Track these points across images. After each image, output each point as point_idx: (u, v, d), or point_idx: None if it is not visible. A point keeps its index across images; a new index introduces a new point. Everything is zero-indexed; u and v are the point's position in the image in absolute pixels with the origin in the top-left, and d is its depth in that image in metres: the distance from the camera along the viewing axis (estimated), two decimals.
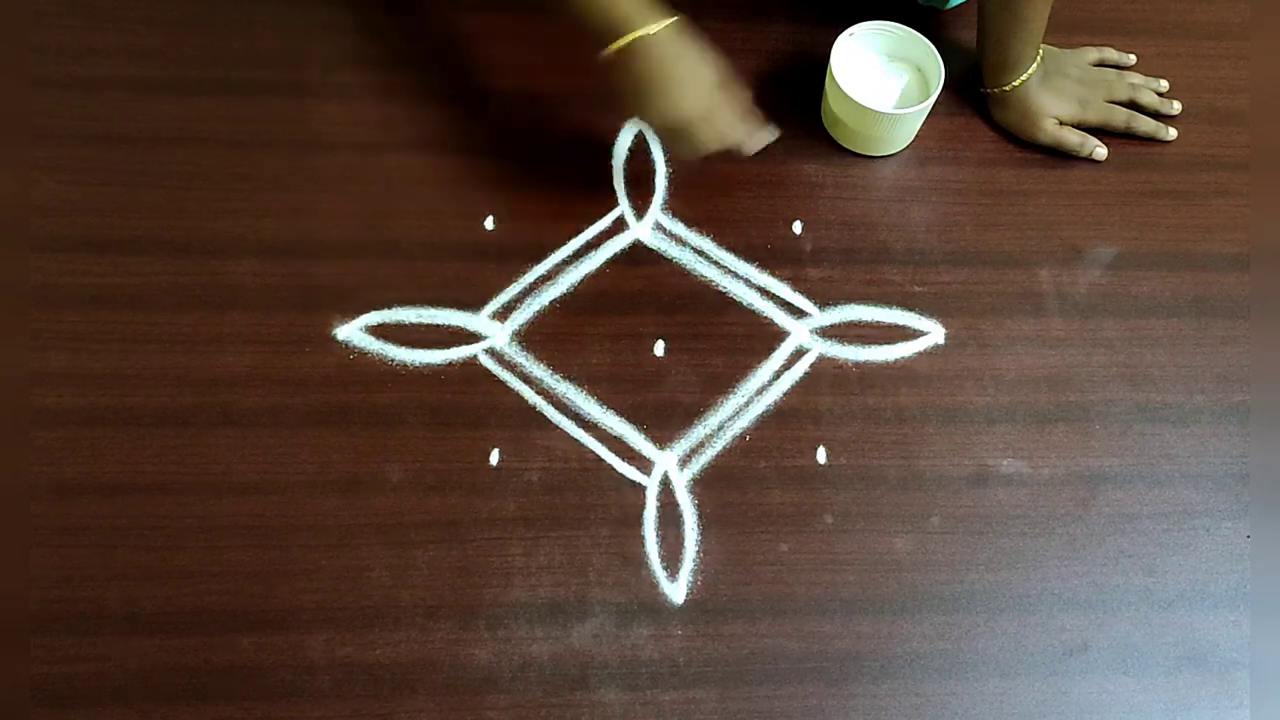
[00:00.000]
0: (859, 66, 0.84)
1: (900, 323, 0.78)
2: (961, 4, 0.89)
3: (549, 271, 0.78)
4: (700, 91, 0.71)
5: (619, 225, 0.80)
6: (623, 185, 0.82)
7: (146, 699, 0.63)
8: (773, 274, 0.79)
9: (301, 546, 0.68)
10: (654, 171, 0.82)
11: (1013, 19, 0.79)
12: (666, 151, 0.82)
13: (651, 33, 0.69)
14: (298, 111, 0.83)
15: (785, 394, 0.75)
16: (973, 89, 0.87)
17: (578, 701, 0.65)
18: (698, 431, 0.73)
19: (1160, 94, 0.87)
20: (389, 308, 0.76)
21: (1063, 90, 0.84)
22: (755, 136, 0.75)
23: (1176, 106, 0.87)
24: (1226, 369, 0.78)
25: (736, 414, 0.74)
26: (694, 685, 0.65)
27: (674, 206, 0.81)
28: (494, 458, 0.71)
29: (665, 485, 0.71)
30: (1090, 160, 0.85)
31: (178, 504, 0.68)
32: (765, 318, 0.78)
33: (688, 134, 0.72)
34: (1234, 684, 0.68)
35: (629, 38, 0.68)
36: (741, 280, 0.79)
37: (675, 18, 0.70)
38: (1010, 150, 0.85)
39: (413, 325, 0.75)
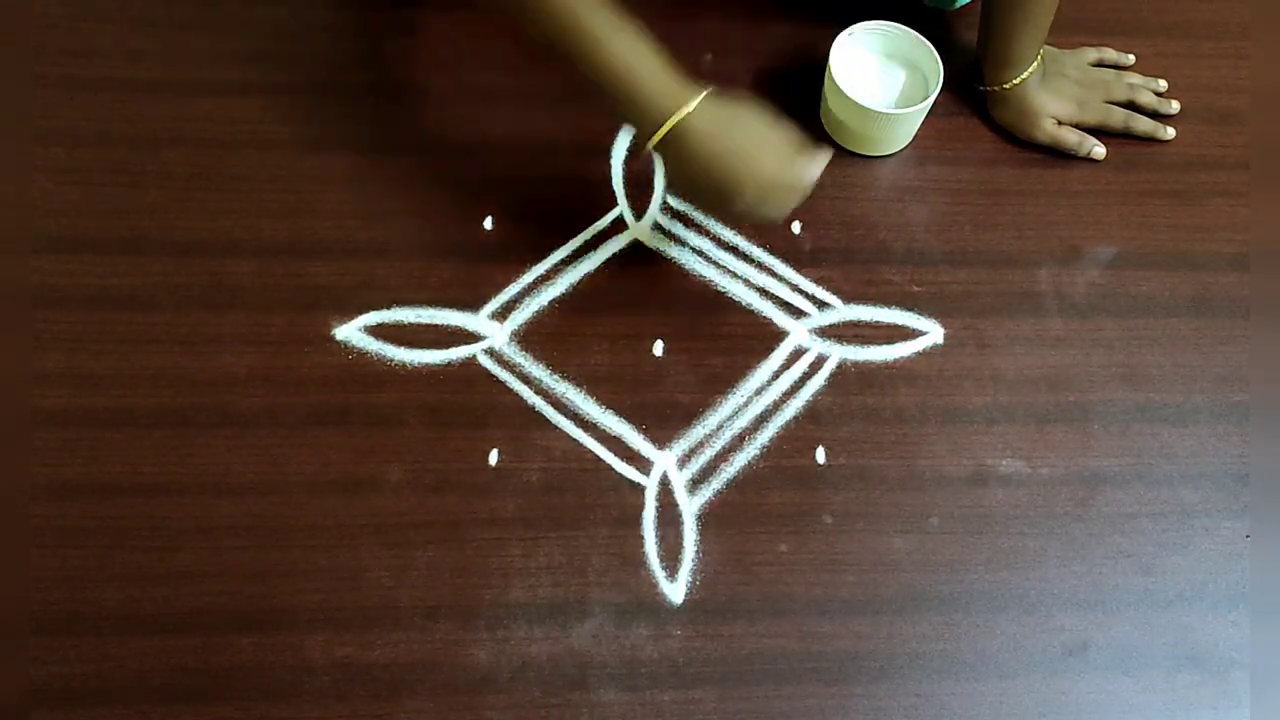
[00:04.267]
0: (858, 66, 0.84)
1: (899, 322, 0.78)
2: (963, 5, 0.89)
3: (548, 271, 0.78)
4: (763, 156, 0.66)
5: (618, 225, 0.80)
6: (621, 185, 0.82)
7: (146, 699, 0.63)
8: (772, 274, 0.79)
9: (301, 547, 0.68)
10: (653, 171, 0.82)
11: (1021, 16, 0.78)
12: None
13: (690, 111, 0.64)
14: (298, 111, 0.83)
15: (784, 394, 0.75)
16: (972, 88, 0.87)
17: (577, 702, 0.65)
18: (697, 431, 0.73)
19: (1158, 94, 0.87)
20: (388, 308, 0.76)
21: (1061, 90, 0.84)
22: (817, 166, 0.69)
23: (1175, 106, 0.87)
24: (1226, 369, 0.78)
25: (735, 414, 0.74)
26: (693, 685, 0.65)
27: (672, 206, 0.81)
28: (493, 458, 0.71)
29: (664, 485, 0.71)
30: (1089, 160, 0.85)
31: (177, 504, 0.68)
32: (764, 318, 0.78)
33: (770, 204, 0.67)
34: (1233, 684, 0.67)
35: (669, 125, 0.64)
36: (740, 280, 0.79)
37: (708, 89, 0.65)
38: (1009, 150, 0.85)
39: (412, 325, 0.75)
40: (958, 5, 0.88)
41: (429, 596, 0.67)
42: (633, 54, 0.64)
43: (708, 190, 0.67)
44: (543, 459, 0.72)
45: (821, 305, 0.78)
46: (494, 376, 0.74)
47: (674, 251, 0.80)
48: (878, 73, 0.84)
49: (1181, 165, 0.86)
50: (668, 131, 0.64)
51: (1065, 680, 0.67)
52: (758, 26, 0.90)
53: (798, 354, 0.76)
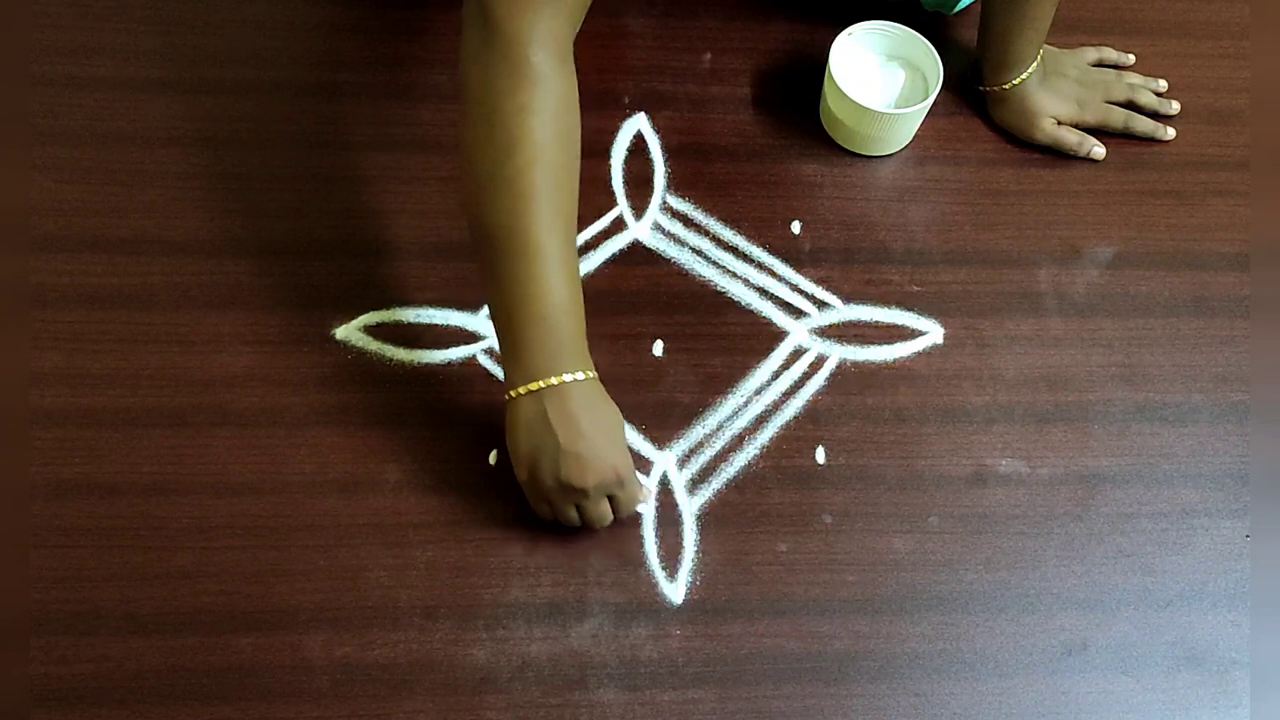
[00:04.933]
0: (858, 66, 0.84)
1: (899, 322, 0.78)
2: (965, 7, 0.89)
3: None
4: (587, 470, 0.62)
5: (617, 225, 0.80)
6: (621, 185, 0.82)
7: (145, 699, 0.63)
8: (771, 274, 0.79)
9: (300, 547, 0.68)
10: (653, 171, 0.83)
11: (1020, 16, 0.79)
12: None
13: (579, 379, 0.62)
14: (297, 111, 0.83)
15: (784, 394, 0.75)
16: (971, 88, 0.87)
17: (576, 702, 0.65)
18: (696, 431, 0.73)
19: (1158, 94, 0.87)
20: (387, 308, 0.76)
21: (1061, 90, 0.84)
22: (624, 507, 0.67)
23: (1175, 106, 0.87)
24: (1225, 369, 0.78)
25: (735, 414, 0.74)
26: (693, 685, 0.65)
27: (672, 207, 0.81)
28: (492, 458, 0.71)
29: (664, 485, 0.71)
30: (1089, 160, 0.85)
31: (176, 504, 0.68)
32: (764, 318, 0.78)
33: (610, 496, 0.65)
34: (1233, 683, 0.67)
35: (550, 381, 0.61)
36: (740, 280, 0.79)
37: (589, 375, 0.63)
38: (1009, 150, 0.85)
39: (411, 325, 0.75)
40: (956, 10, 0.88)
41: (428, 596, 0.67)
42: (563, 306, 0.62)
43: (521, 463, 0.64)
44: None
45: (821, 305, 0.78)
46: (494, 376, 0.74)
47: (673, 251, 0.80)
48: (878, 73, 0.84)
49: (1181, 165, 0.86)
50: (529, 393, 0.62)
51: (1065, 680, 0.67)
52: (758, 26, 0.90)
53: (797, 354, 0.76)
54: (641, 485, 0.68)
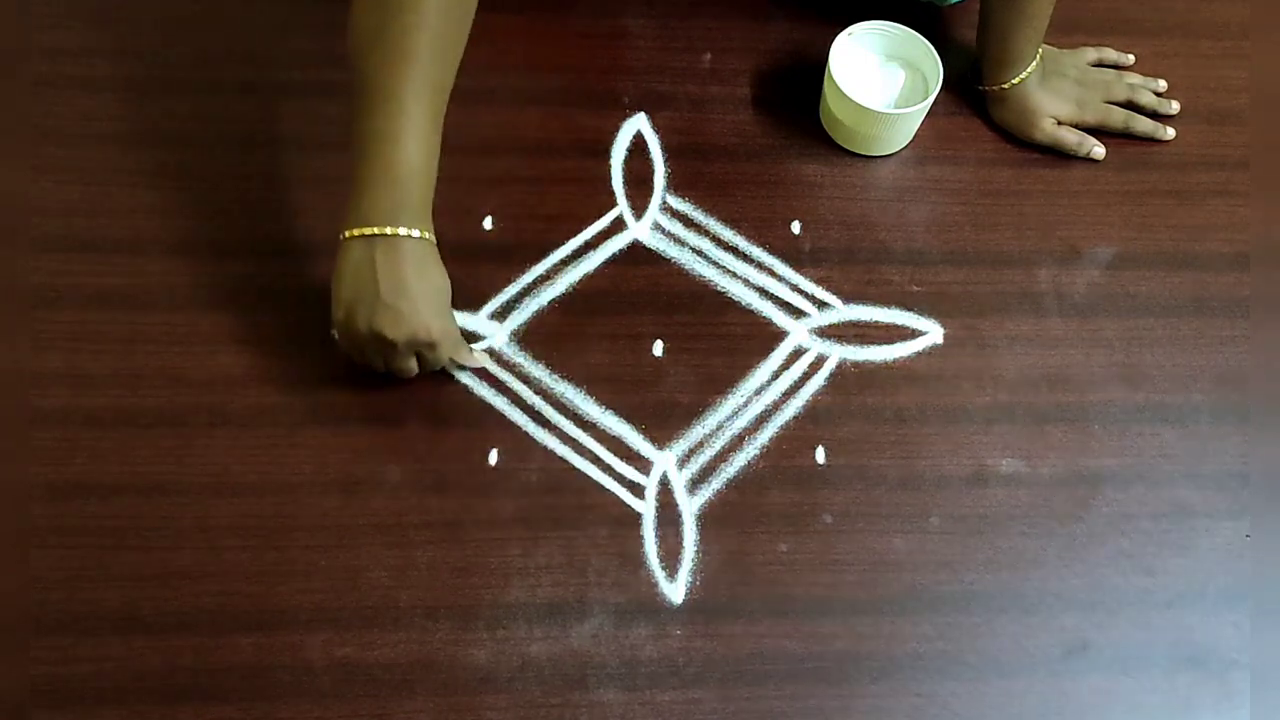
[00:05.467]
0: (858, 66, 0.84)
1: (899, 322, 0.78)
2: (960, 2, 0.89)
3: (547, 271, 0.78)
4: (440, 314, 0.66)
5: (617, 225, 0.80)
6: (621, 185, 0.82)
7: (145, 699, 0.63)
8: (771, 274, 0.79)
9: (300, 547, 0.68)
10: (653, 171, 0.83)
11: (1018, 14, 0.79)
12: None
13: (412, 236, 0.64)
14: (297, 111, 0.83)
15: (784, 394, 0.75)
16: (971, 88, 0.87)
17: (576, 702, 0.65)
18: (696, 431, 0.73)
19: (1158, 94, 0.87)
20: None
21: (1060, 90, 0.84)
22: (472, 356, 0.71)
23: (1175, 106, 0.87)
24: (1226, 369, 0.78)
25: (735, 414, 0.74)
26: (693, 685, 0.65)
27: (672, 207, 0.81)
28: (493, 458, 0.71)
29: (664, 485, 0.71)
30: (1088, 160, 0.85)
31: (176, 504, 0.68)
32: (764, 318, 0.78)
33: (416, 352, 0.68)
34: (1233, 684, 0.67)
35: (385, 230, 0.64)
36: (740, 280, 0.79)
37: (424, 234, 0.65)
38: (1009, 150, 0.86)
39: None
40: (949, 2, 0.88)
41: (429, 596, 0.67)
42: (415, 167, 0.64)
43: (340, 304, 0.66)
44: (542, 459, 0.71)
45: (821, 305, 0.78)
46: (494, 376, 0.74)
47: (673, 251, 0.80)
48: (878, 73, 0.84)
49: (1181, 165, 0.86)
50: (362, 237, 0.64)
51: (1065, 680, 0.67)
52: (758, 26, 0.90)
53: (797, 354, 0.76)
54: (471, 350, 0.71)
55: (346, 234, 0.65)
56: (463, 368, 0.73)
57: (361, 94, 0.65)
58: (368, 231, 0.64)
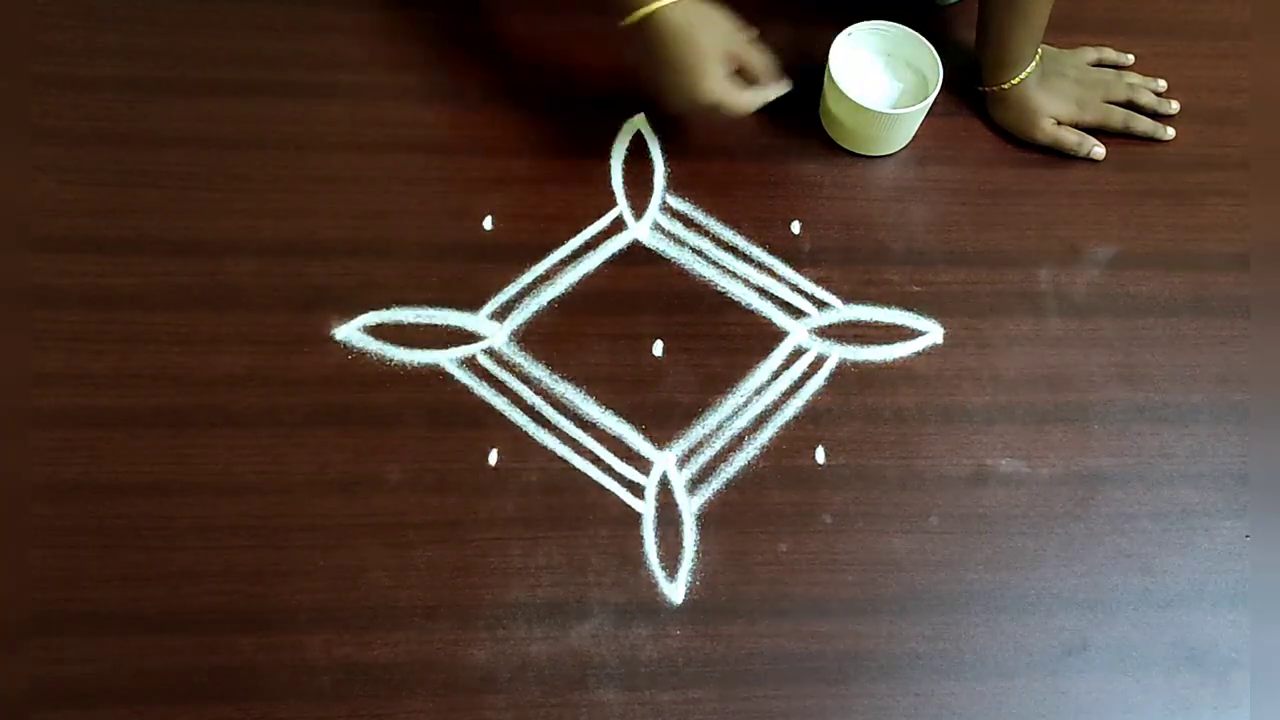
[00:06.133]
0: (857, 66, 0.84)
1: (899, 322, 0.78)
2: (959, 1, 0.89)
3: (547, 271, 0.78)
4: (709, 72, 0.72)
5: (617, 225, 0.80)
6: (621, 185, 0.82)
7: (145, 699, 0.63)
8: (771, 274, 0.79)
9: (300, 547, 0.68)
10: (652, 171, 0.83)
11: (1015, 14, 0.79)
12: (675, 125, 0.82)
13: (666, 3, 0.70)
14: (297, 111, 0.83)
15: (784, 394, 0.75)
16: (971, 89, 0.87)
17: (576, 702, 0.65)
18: (696, 431, 0.73)
19: (1158, 93, 0.87)
20: (387, 308, 0.76)
21: (1060, 90, 0.84)
22: (759, 98, 0.76)
23: (1174, 106, 0.87)
24: (1225, 369, 0.78)
25: (735, 414, 0.74)
26: (693, 685, 0.65)
27: (672, 207, 0.81)
28: (492, 458, 0.71)
29: (664, 485, 0.71)
30: (1088, 160, 0.85)
31: (176, 504, 0.68)
32: (764, 318, 0.78)
33: (711, 111, 0.74)
34: (1233, 684, 0.67)
35: (647, 9, 0.70)
36: (740, 280, 0.79)
37: None
38: (1008, 150, 0.86)
39: (411, 325, 0.75)
40: (949, 1, 0.88)
41: (428, 596, 0.67)
42: None
43: (655, 79, 0.73)
44: (542, 459, 0.72)
45: (821, 305, 0.78)
46: (494, 376, 0.74)
47: (673, 251, 0.80)
48: (877, 73, 0.84)
49: (1181, 165, 0.86)
50: (641, 18, 0.71)
51: (1065, 680, 0.67)
52: (758, 26, 0.89)
53: (797, 354, 0.76)
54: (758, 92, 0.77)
55: (630, 19, 0.72)
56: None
57: None
58: (635, 19, 0.71)
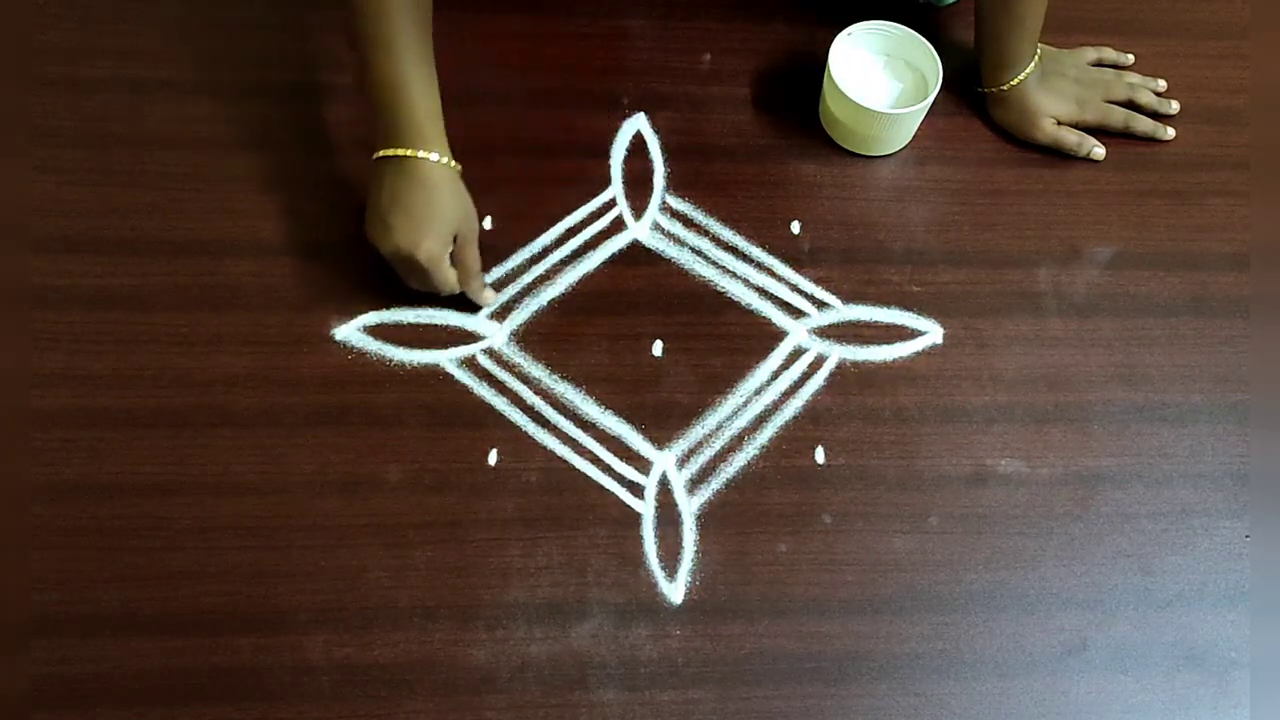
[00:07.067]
0: (857, 66, 0.84)
1: (898, 322, 0.78)
2: (957, 2, 0.89)
3: (547, 271, 0.78)
4: (446, 237, 0.71)
5: (617, 225, 0.80)
6: (621, 185, 0.82)
7: (145, 700, 0.63)
8: (771, 274, 0.79)
9: (300, 547, 0.68)
10: (652, 172, 0.83)
11: (1009, 17, 0.79)
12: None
13: (430, 159, 0.70)
14: (297, 112, 0.83)
15: (783, 394, 0.75)
16: (971, 89, 0.87)
17: (576, 702, 0.65)
18: (696, 431, 0.73)
19: (1158, 93, 0.87)
20: (387, 308, 0.76)
21: (1060, 90, 0.84)
22: (473, 289, 0.75)
23: (1174, 106, 0.87)
24: (1225, 369, 0.78)
25: (735, 414, 0.74)
26: (692, 685, 0.65)
27: (672, 207, 0.81)
28: (492, 458, 0.71)
29: (664, 485, 0.71)
30: (1088, 160, 0.85)
31: (176, 505, 0.68)
32: (763, 318, 0.78)
33: (416, 270, 0.72)
34: (1233, 684, 0.67)
35: (410, 152, 0.70)
36: (740, 280, 0.79)
37: (440, 157, 0.71)
38: (1008, 150, 0.86)
39: (411, 325, 0.75)
40: (946, 2, 0.88)
41: (428, 597, 0.67)
42: (420, 80, 0.70)
43: (380, 213, 0.71)
44: (542, 459, 0.72)
45: (821, 305, 0.78)
46: (493, 376, 0.74)
47: (673, 251, 0.80)
48: (877, 73, 0.84)
49: (1181, 165, 0.86)
50: (380, 159, 0.71)
51: (1065, 680, 0.67)
52: (758, 26, 0.90)
53: (797, 354, 0.76)
54: (477, 286, 0.75)
55: (372, 158, 0.71)
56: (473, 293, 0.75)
57: (365, 46, 0.70)
58: (385, 154, 0.71)
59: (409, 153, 0.70)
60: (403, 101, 0.70)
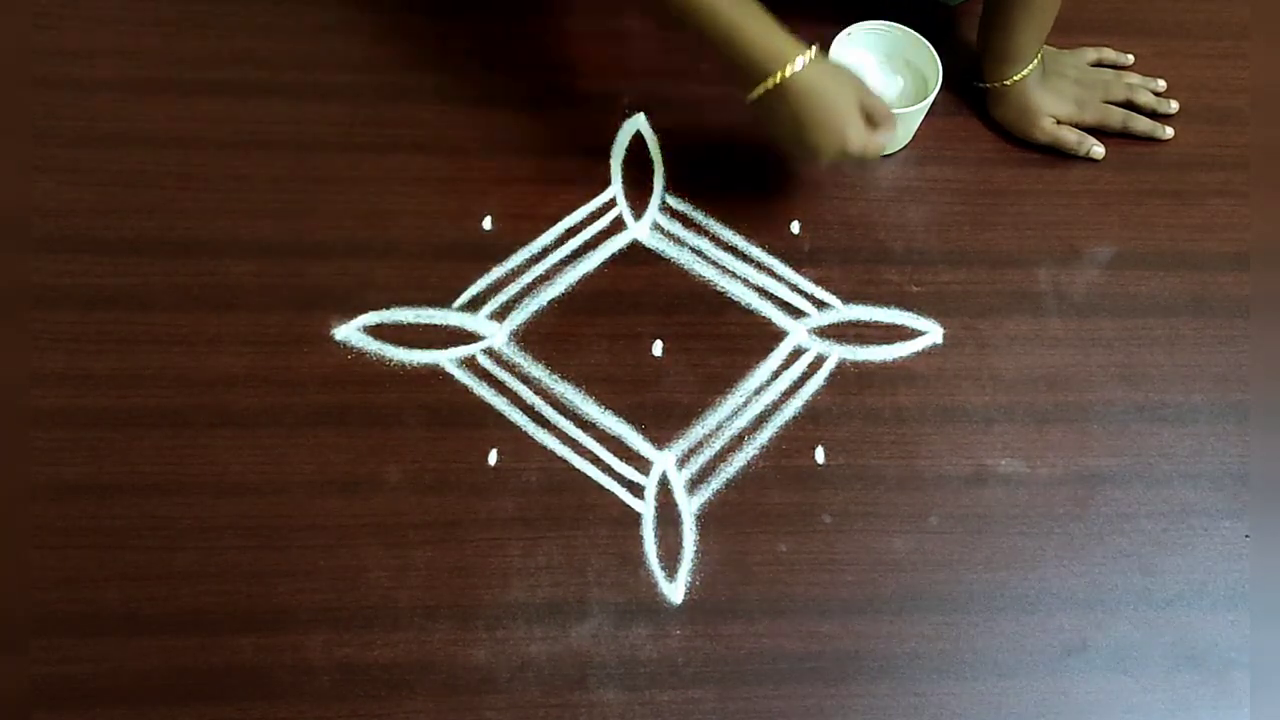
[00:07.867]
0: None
1: (898, 322, 0.78)
2: (965, 1, 0.89)
3: (547, 271, 0.78)
4: (841, 128, 0.71)
5: (617, 225, 0.80)
6: (621, 185, 0.82)
7: (145, 700, 0.63)
8: (771, 274, 0.79)
9: (300, 547, 0.68)
10: (652, 171, 0.83)
11: (1024, 10, 0.78)
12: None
13: (796, 70, 0.69)
14: (297, 111, 0.83)
15: (783, 394, 0.75)
16: (971, 88, 0.87)
17: (576, 702, 0.65)
18: (696, 431, 0.73)
19: (1158, 93, 0.87)
20: (387, 308, 0.76)
21: (1060, 90, 0.84)
22: (887, 136, 0.75)
23: (1174, 106, 0.87)
24: (1225, 369, 0.78)
25: (735, 414, 0.74)
26: (692, 685, 0.65)
27: (672, 207, 0.81)
28: (492, 458, 0.71)
29: (663, 485, 0.71)
30: (1088, 159, 0.85)
31: (176, 504, 0.68)
32: (763, 317, 0.78)
33: (844, 163, 0.74)
34: (1232, 683, 0.67)
35: (775, 79, 0.70)
36: (739, 280, 0.79)
37: (814, 47, 0.71)
38: (1008, 150, 0.86)
39: (411, 325, 0.75)
40: (955, 0, 0.88)
41: (428, 596, 0.67)
42: (743, 18, 0.70)
43: (792, 146, 0.73)
44: (542, 459, 0.72)
45: (821, 305, 0.78)
46: (493, 376, 0.74)
47: (673, 251, 0.80)
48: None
49: (1181, 165, 0.86)
50: (765, 91, 0.70)
51: (1064, 680, 0.67)
52: None
53: (797, 354, 0.76)
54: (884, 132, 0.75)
55: (748, 101, 0.72)
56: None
57: (690, 16, 0.71)
58: (759, 92, 0.71)
59: (777, 78, 0.70)
60: (743, 40, 0.70)
